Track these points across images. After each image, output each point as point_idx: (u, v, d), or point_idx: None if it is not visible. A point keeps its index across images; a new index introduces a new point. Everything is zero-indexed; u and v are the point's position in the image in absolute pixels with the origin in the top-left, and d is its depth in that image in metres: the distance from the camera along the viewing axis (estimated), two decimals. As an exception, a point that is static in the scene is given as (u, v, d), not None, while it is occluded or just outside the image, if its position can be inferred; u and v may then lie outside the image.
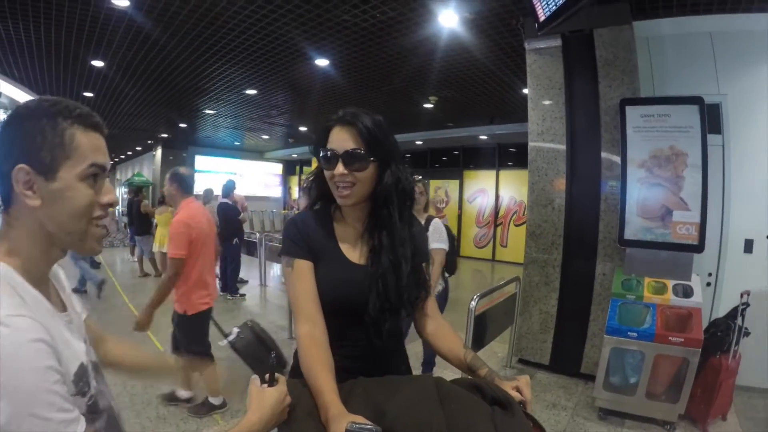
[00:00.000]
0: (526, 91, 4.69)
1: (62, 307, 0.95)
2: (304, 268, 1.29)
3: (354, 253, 1.34)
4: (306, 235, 1.32)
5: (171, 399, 3.61)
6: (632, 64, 3.96)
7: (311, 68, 7.24)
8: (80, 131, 0.84)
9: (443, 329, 1.44)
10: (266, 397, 1.03)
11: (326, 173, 1.29)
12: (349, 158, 1.24)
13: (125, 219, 11.86)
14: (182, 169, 3.52)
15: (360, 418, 0.97)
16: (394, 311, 1.30)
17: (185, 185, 3.44)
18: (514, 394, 1.18)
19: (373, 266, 1.30)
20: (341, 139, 1.25)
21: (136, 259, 9.71)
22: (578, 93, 4.30)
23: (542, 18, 3.69)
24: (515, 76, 6.97)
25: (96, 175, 0.87)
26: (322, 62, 6.89)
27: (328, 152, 1.26)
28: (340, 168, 1.24)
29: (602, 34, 4.04)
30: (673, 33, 4.18)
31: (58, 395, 0.73)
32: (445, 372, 1.35)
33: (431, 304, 1.46)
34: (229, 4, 4.87)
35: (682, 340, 3.17)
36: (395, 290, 1.29)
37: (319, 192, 1.38)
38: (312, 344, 1.20)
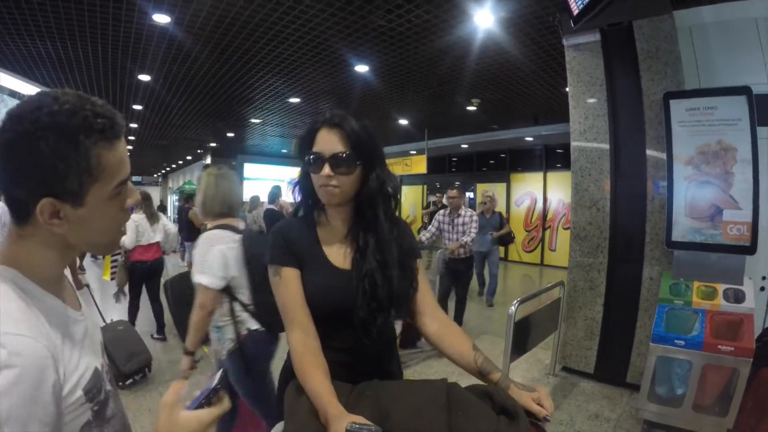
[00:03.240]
0: (567, 89, 4.53)
1: (78, 305, 0.89)
2: (292, 276, 1.29)
3: (338, 257, 1.34)
4: (291, 242, 1.32)
5: None
6: (675, 56, 3.74)
7: (351, 74, 7.32)
8: (105, 149, 0.75)
9: (449, 328, 1.39)
10: (189, 420, 0.78)
11: (312, 176, 1.28)
12: (336, 161, 1.23)
13: (176, 225, 12.30)
14: None
15: (360, 418, 0.97)
16: (384, 310, 1.29)
17: None
18: (536, 408, 1.13)
19: (359, 268, 1.29)
20: (328, 142, 1.25)
21: (186, 264, 10.01)
22: (620, 89, 4.10)
23: (576, 11, 3.55)
24: (556, 74, 6.79)
25: (123, 187, 0.81)
26: (361, 68, 6.94)
27: (315, 155, 1.26)
28: (326, 170, 1.23)
29: (642, 26, 3.84)
30: (716, 20, 3.87)
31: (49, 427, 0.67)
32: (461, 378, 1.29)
33: (429, 300, 1.42)
34: (266, 16, 4.99)
35: (733, 348, 2.94)
36: (385, 289, 1.27)
37: (305, 195, 1.38)
38: (306, 351, 1.22)
